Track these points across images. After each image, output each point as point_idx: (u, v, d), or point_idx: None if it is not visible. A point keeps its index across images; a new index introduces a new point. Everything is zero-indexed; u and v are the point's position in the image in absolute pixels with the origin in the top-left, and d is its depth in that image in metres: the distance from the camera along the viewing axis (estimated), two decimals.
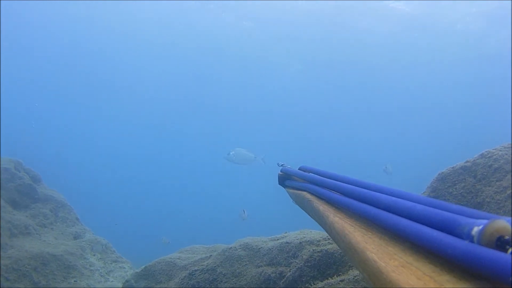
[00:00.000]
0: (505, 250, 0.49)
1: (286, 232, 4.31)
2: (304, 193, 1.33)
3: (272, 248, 4.03)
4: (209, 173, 29.26)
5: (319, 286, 3.19)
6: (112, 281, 6.32)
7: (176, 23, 23.34)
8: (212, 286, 4.12)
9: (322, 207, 1.09)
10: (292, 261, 3.76)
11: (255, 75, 28.01)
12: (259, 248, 4.14)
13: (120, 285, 5.80)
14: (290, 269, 3.70)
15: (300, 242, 3.79)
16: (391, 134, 30.94)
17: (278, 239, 4.19)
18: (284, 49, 24.46)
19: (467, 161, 2.93)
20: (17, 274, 5.77)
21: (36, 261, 5.96)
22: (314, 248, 3.52)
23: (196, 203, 29.52)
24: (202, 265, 4.36)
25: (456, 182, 2.88)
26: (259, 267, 3.97)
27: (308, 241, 3.71)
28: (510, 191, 2.61)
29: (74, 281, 6.04)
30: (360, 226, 0.84)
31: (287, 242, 3.92)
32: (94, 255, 6.64)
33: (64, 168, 28.12)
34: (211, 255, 4.50)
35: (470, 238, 0.54)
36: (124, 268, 6.76)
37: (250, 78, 28.38)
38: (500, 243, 0.50)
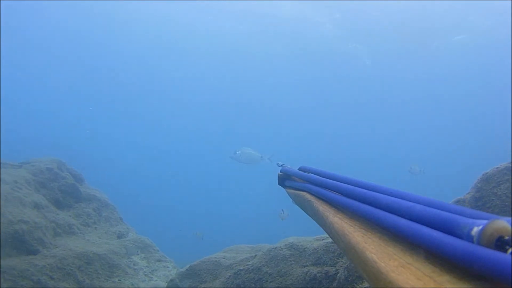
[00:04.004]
0: (505, 251, 0.51)
1: None
2: (304, 193, 1.36)
3: (318, 248, 4.29)
4: (242, 173, 29.90)
5: (365, 286, 3.41)
6: (156, 280, 6.71)
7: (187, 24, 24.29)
8: (258, 286, 4.41)
9: (322, 207, 1.13)
10: (338, 260, 4.00)
11: (260, 74, 28.64)
12: (305, 248, 4.41)
13: (164, 284, 6.15)
14: (337, 269, 3.96)
15: None
16: (398, 131, 30.92)
17: (323, 239, 4.44)
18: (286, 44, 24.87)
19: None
20: (61, 273, 6.15)
21: (81, 260, 6.36)
22: None
23: (232, 202, 30.37)
24: (247, 265, 4.67)
25: (501, 182, 3.05)
26: (304, 267, 4.24)
27: None
28: None
29: (118, 280, 6.45)
30: (359, 227, 0.88)
31: (333, 242, 4.15)
32: (138, 254, 7.04)
33: (106, 168, 29.46)
34: (256, 255, 4.79)
35: (469, 238, 0.56)
36: (167, 267, 7.15)
37: (253, 76, 29.05)
38: (500, 243, 0.52)
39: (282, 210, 7.51)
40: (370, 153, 32.02)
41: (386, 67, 25.99)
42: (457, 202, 3.25)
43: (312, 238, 4.62)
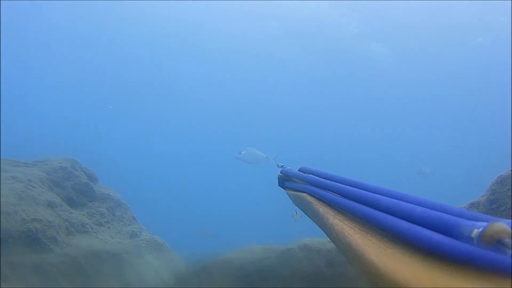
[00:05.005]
0: (505, 252, 0.52)
1: None
2: (304, 194, 1.37)
3: (331, 250, 4.32)
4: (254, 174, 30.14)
5: None
6: (167, 279, 6.77)
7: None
8: (271, 286, 4.45)
9: (322, 209, 1.13)
10: None
11: (264, 73, 28.92)
12: (318, 250, 4.45)
13: (176, 283, 6.21)
14: (350, 271, 3.99)
15: None
16: (402, 132, 31.08)
17: None
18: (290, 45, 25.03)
19: None
20: (74, 271, 6.24)
21: (93, 259, 6.44)
22: None
23: (237, 202, 30.58)
24: (260, 265, 4.71)
25: None
26: (318, 268, 4.27)
27: None
28: None
29: (130, 279, 6.53)
30: (360, 228, 0.88)
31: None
32: (150, 253, 7.11)
33: (106, 167, 29.77)
34: (269, 256, 4.83)
35: (469, 240, 0.57)
36: (179, 266, 7.21)
37: (263, 77, 29.37)
38: (500, 245, 0.53)
39: (296, 212, 7.57)
40: (371, 153, 32.05)
41: (404, 67, 25.97)
42: (472, 204, 3.25)
43: (326, 239, 4.64)
